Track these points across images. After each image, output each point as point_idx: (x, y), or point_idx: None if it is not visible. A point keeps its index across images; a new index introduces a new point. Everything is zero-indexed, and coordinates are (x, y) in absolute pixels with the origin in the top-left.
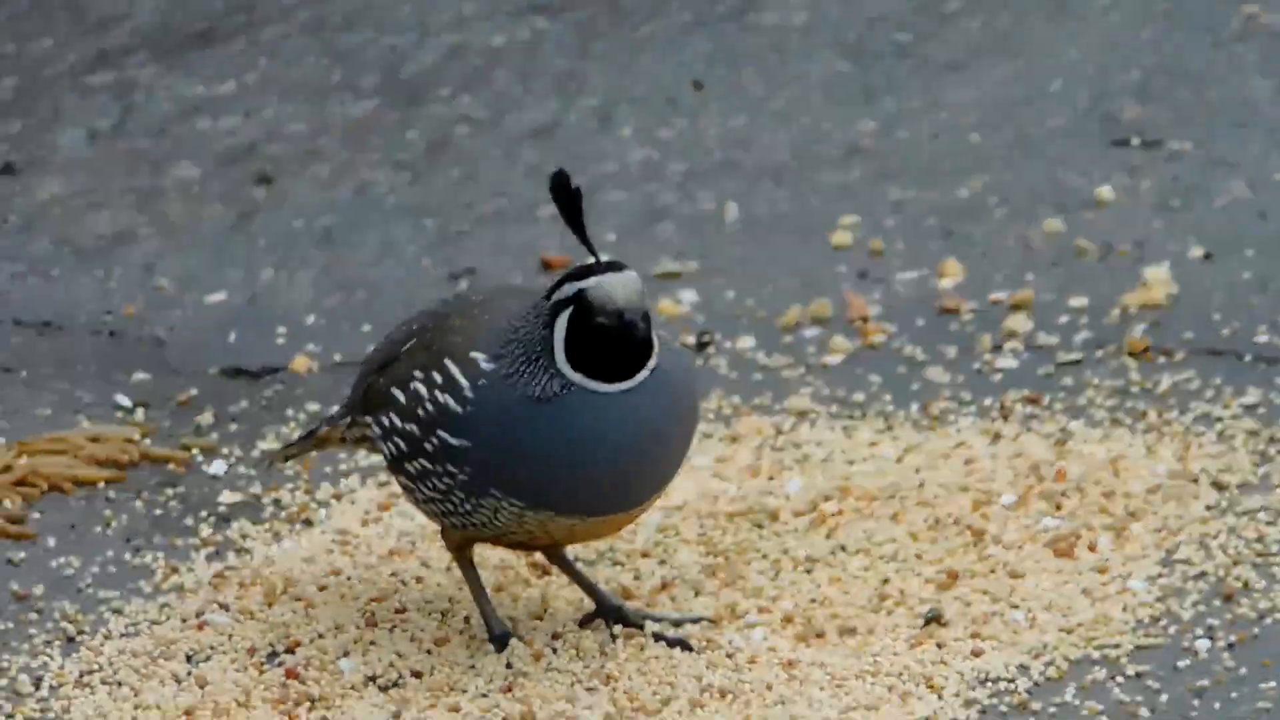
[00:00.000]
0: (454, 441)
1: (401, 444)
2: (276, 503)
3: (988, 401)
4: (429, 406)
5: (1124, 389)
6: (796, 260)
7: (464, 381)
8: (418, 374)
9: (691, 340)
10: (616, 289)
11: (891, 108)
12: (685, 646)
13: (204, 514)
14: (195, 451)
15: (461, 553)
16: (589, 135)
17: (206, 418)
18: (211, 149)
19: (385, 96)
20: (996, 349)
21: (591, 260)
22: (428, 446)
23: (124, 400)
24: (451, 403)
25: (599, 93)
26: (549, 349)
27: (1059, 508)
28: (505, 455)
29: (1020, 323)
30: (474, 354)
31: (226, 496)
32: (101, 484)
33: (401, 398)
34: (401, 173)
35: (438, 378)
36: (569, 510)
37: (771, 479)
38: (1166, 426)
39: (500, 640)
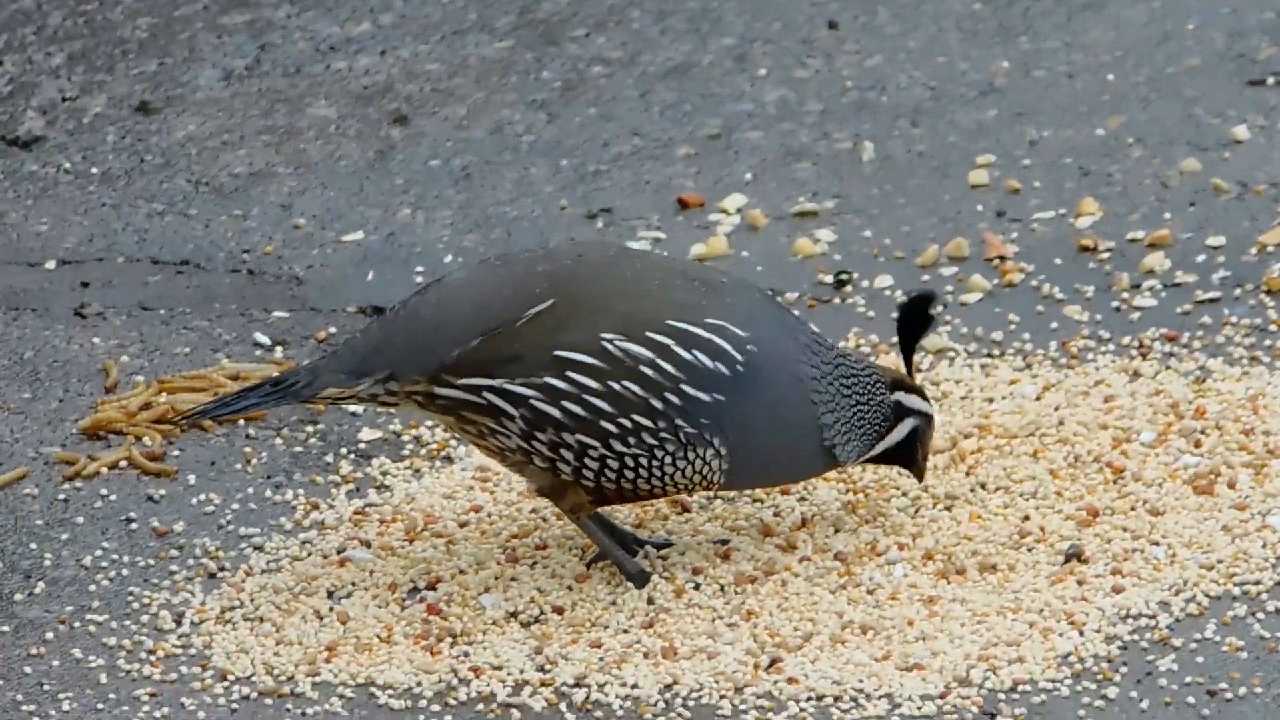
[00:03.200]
0: (705, 398)
1: (579, 408)
2: (417, 439)
3: (1126, 340)
4: (666, 366)
5: (1262, 327)
6: (933, 199)
7: (728, 347)
8: (622, 339)
9: (829, 279)
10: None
11: (1028, 47)
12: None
13: (344, 451)
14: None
15: (578, 513)
16: (724, 75)
17: None
18: (347, 89)
19: (520, 36)
20: (1135, 287)
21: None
22: (655, 403)
23: (263, 338)
24: (709, 363)
25: (734, 32)
26: (874, 436)
27: (1198, 445)
28: (763, 430)
29: (1158, 261)
30: (725, 323)
31: (366, 434)
32: (241, 421)
33: (596, 361)
34: (537, 112)
35: (692, 339)
36: (747, 485)
37: None
38: None
39: (639, 578)
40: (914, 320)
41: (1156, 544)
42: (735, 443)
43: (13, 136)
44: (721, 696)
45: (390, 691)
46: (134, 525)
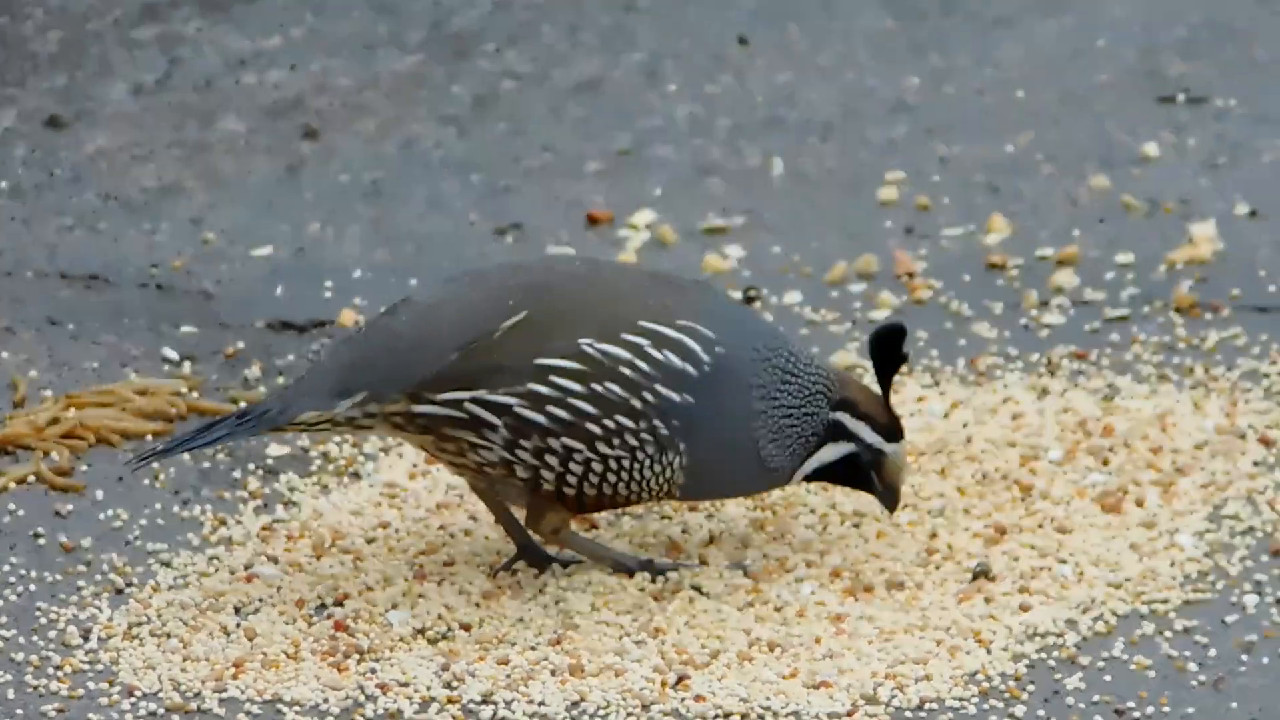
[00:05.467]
0: (676, 398)
1: (564, 412)
2: (324, 456)
3: (1035, 357)
4: (642, 366)
5: (1171, 345)
6: (843, 216)
7: (697, 348)
8: (599, 342)
9: (738, 295)
10: (903, 470)
11: (938, 63)
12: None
13: (252, 467)
14: (242, 404)
15: (559, 533)
16: (635, 91)
17: (254, 371)
18: (258, 103)
19: (431, 51)
20: (1043, 305)
21: (883, 402)
22: (635, 403)
23: (171, 353)
24: (678, 363)
25: (645, 48)
26: (802, 451)
27: (1106, 463)
28: (715, 436)
29: (1067, 279)
30: (695, 325)
31: (274, 449)
32: (149, 437)
33: (577, 365)
34: (448, 127)
35: (663, 339)
36: (699, 497)
37: None
38: (1213, 383)
39: (648, 565)
40: (885, 353)
41: (1064, 562)
42: (692, 447)
43: None
44: (629, 714)
45: (297, 708)
46: (42, 540)
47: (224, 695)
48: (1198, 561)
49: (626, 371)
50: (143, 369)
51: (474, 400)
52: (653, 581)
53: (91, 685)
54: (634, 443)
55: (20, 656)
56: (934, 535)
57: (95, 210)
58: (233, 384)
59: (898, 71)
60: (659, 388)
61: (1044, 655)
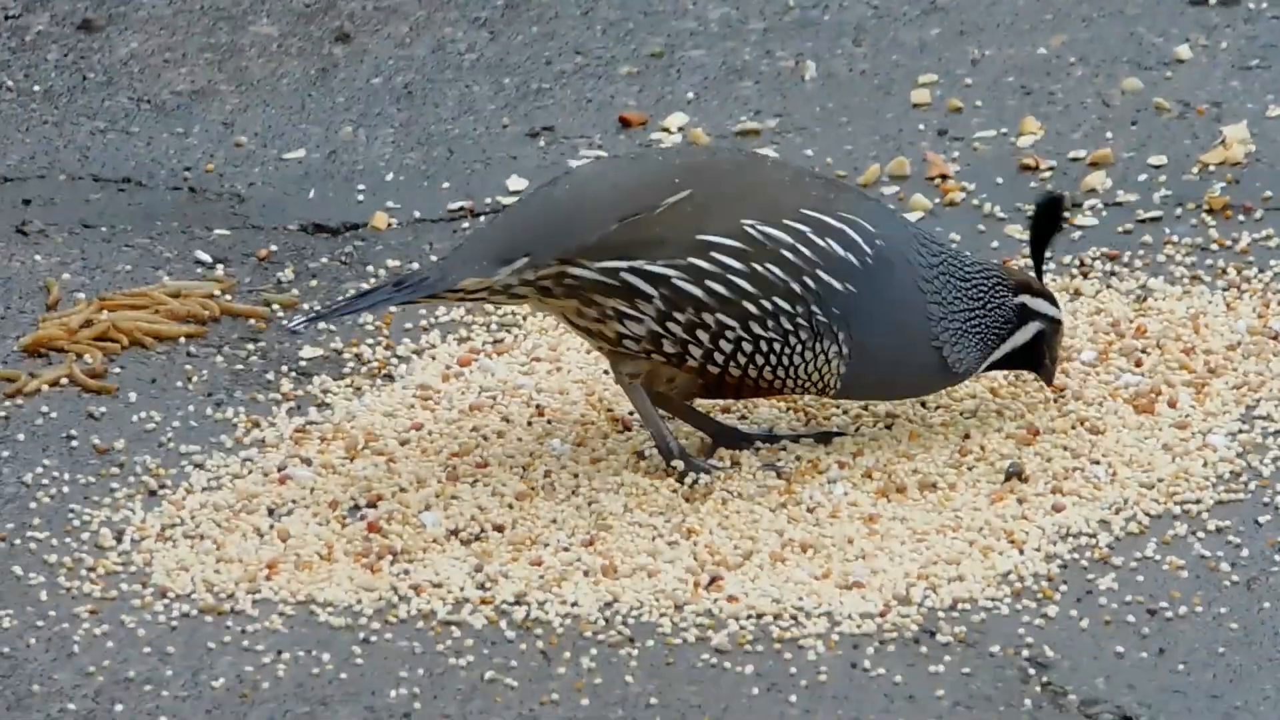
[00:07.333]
0: (837, 285)
1: (723, 287)
2: (357, 358)
3: (1067, 259)
4: (804, 251)
5: (1203, 246)
6: (875, 118)
7: (859, 239)
8: (761, 224)
9: None
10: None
11: None
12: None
13: (285, 369)
14: (275, 307)
15: (633, 379)
16: None
17: (287, 274)
18: (290, 6)
19: None
20: (1075, 206)
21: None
22: (794, 287)
23: (204, 256)
24: (841, 251)
25: None
26: (992, 341)
27: (1139, 364)
28: (881, 330)
29: (1099, 180)
30: (855, 218)
31: (307, 351)
32: (182, 339)
33: (739, 244)
34: (480, 30)
35: (825, 227)
36: (861, 395)
37: None
38: (1246, 284)
39: (685, 456)
40: (1045, 223)
41: (1097, 463)
42: (857, 340)
43: None
44: (661, 614)
45: (330, 609)
46: (75, 443)
47: (257, 596)
48: (1230, 462)
49: (788, 255)
50: (175, 272)
51: (631, 269)
52: (682, 481)
53: (125, 587)
54: (788, 326)
55: (53, 558)
56: (967, 436)
57: (127, 114)
58: (265, 286)
59: None
60: (820, 273)
61: (1076, 555)
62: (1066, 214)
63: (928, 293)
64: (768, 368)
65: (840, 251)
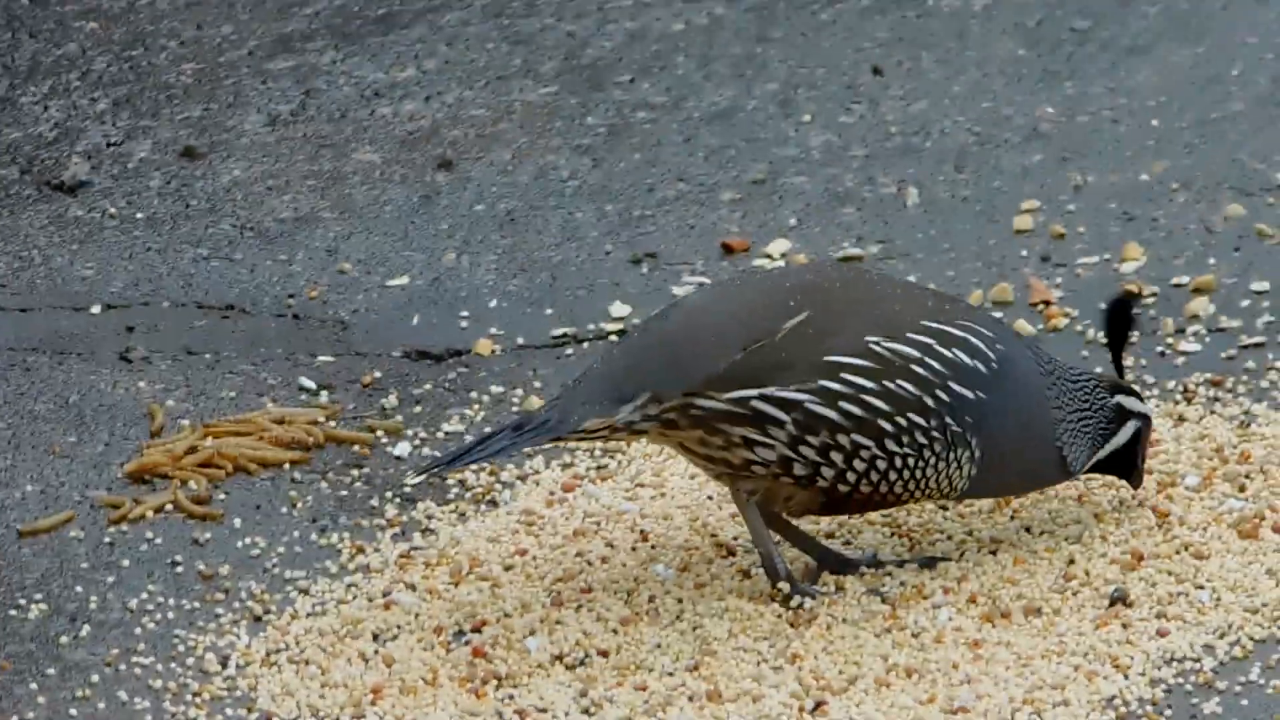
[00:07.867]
0: (969, 395)
1: (857, 408)
2: (461, 483)
3: (1171, 384)
4: (932, 364)
5: None
6: (978, 244)
7: (983, 346)
8: (886, 340)
9: None
10: None
11: (1072, 91)
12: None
13: (389, 494)
14: (380, 433)
15: (750, 497)
16: (769, 120)
17: (391, 400)
18: (392, 134)
19: (565, 81)
20: (1179, 332)
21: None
22: (928, 401)
23: (308, 382)
24: (968, 360)
25: (778, 78)
26: (1098, 440)
27: (1243, 489)
28: (1010, 432)
29: (1202, 306)
30: (973, 324)
31: (411, 477)
32: (287, 465)
33: (868, 363)
34: (582, 157)
35: (949, 338)
36: (983, 494)
37: None
38: None
39: (791, 580)
40: (1117, 323)
41: (1201, 587)
42: (986, 444)
43: (58, 182)
44: None
45: None
46: (179, 568)
47: None
48: None
49: (918, 369)
50: (279, 398)
51: (762, 397)
52: (787, 605)
53: (230, 712)
54: (923, 440)
55: (159, 684)
56: (1071, 561)
57: (231, 240)
58: (369, 413)
59: (1032, 99)
60: (952, 384)
61: (1181, 680)
62: (1136, 311)
63: (1050, 396)
64: (899, 482)
65: (968, 360)
